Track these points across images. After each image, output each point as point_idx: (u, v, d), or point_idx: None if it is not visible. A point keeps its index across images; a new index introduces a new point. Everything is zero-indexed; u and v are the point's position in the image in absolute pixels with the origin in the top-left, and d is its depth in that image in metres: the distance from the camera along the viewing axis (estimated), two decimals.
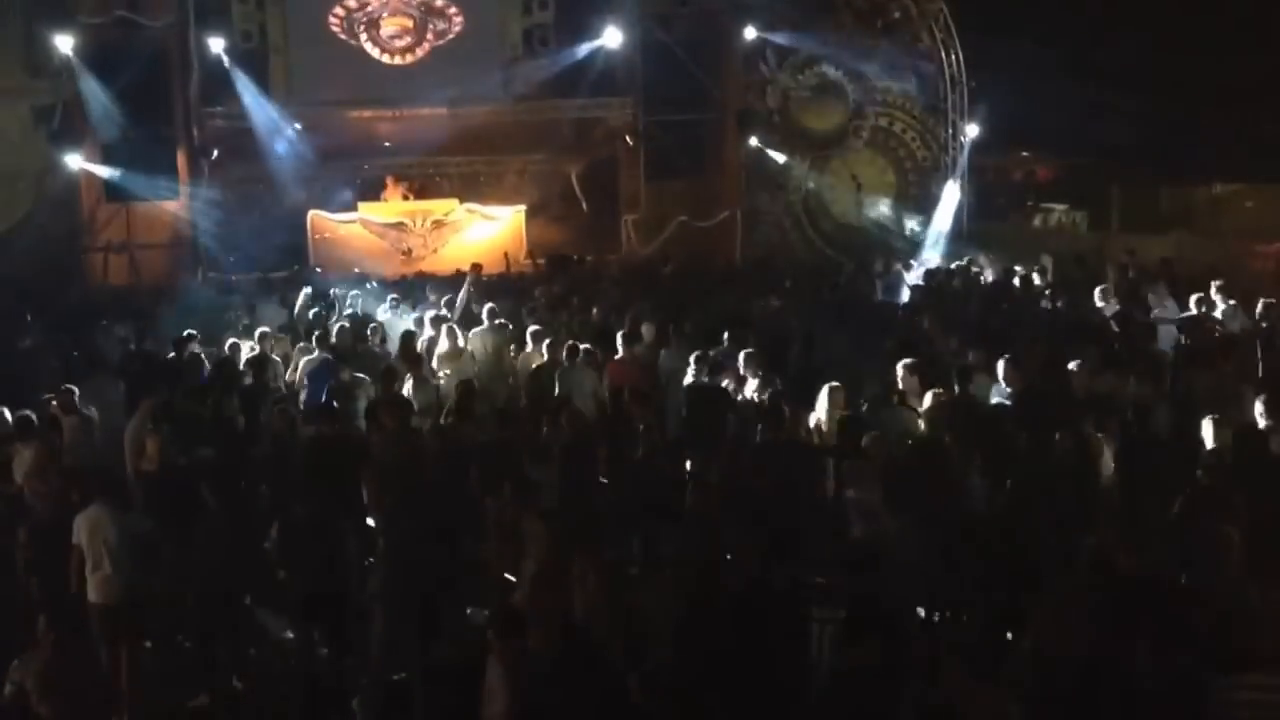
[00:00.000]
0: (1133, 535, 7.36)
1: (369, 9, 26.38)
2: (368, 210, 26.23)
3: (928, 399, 10.97)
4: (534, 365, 14.12)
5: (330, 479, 10.10)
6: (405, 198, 26.92)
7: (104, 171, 24.55)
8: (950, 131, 27.27)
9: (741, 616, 7.01)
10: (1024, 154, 30.51)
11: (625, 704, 6.37)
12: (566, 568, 7.78)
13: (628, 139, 27.14)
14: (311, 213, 25.84)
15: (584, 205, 27.62)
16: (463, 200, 26.46)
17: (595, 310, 17.40)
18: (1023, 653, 6.72)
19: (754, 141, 26.50)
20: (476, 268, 19.19)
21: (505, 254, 23.79)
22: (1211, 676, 5.92)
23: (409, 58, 26.69)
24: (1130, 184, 28.65)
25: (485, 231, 25.96)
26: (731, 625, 6.96)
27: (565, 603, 7.53)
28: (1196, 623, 6.48)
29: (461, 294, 17.80)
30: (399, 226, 25.87)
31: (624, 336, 14.17)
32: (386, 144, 26.91)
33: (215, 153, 25.66)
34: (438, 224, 25.92)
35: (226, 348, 15.39)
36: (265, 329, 15.51)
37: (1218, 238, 23.22)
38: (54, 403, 12.71)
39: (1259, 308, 14.95)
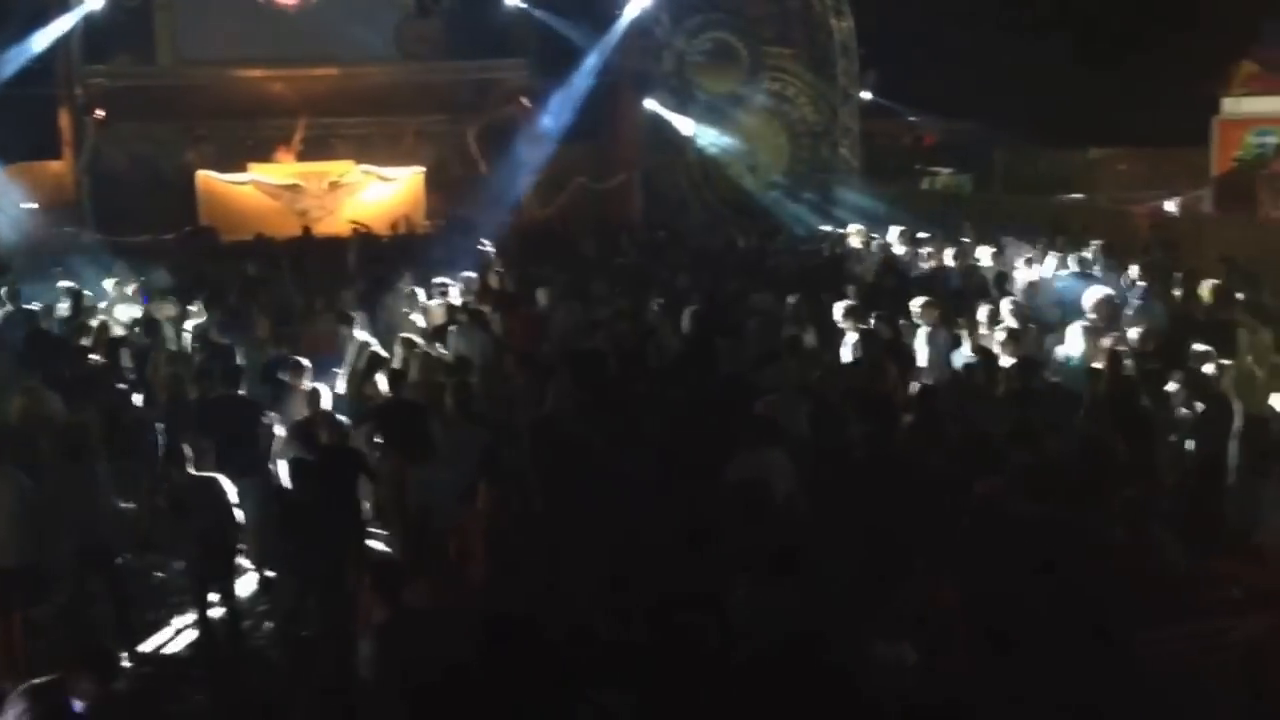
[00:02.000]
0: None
1: None
2: (260, 171, 25.92)
3: None
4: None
5: (227, 438, 10.18)
6: (298, 160, 26.64)
7: None
8: (841, 96, 27.72)
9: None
10: (911, 119, 31.18)
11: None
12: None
13: (524, 100, 27.14)
14: (200, 173, 25.50)
15: (481, 166, 27.58)
16: (358, 162, 26.27)
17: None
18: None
19: (650, 104, 26.66)
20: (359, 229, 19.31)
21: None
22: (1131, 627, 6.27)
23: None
24: (1012, 148, 29.48)
25: (382, 193, 25.80)
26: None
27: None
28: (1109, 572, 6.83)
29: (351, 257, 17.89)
30: (293, 188, 25.59)
31: (516, 298, 14.38)
32: (276, 104, 26.60)
33: (100, 112, 25.19)
34: (334, 185, 25.69)
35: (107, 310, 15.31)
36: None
37: (1094, 199, 24.00)
38: None
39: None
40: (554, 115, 25.89)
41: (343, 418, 10.79)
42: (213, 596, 9.55)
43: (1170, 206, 24.68)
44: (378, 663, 6.73)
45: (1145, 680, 6.00)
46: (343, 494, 9.36)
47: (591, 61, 26.22)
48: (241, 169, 25.83)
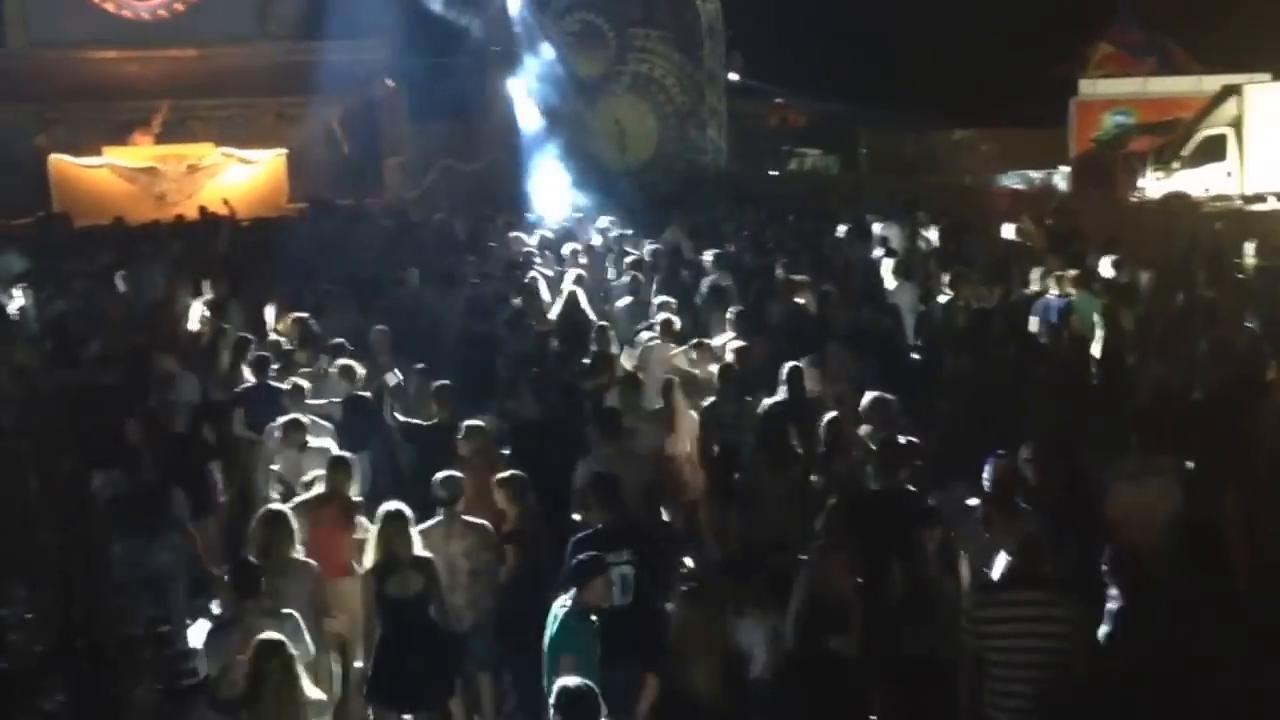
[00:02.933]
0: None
1: None
2: (115, 154, 25.16)
3: None
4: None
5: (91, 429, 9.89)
6: (156, 143, 25.93)
7: None
8: (708, 77, 27.87)
9: None
10: (778, 101, 31.54)
11: None
12: None
13: (388, 81, 26.78)
14: (52, 157, 24.68)
15: (345, 148, 27.14)
16: (218, 144, 25.65)
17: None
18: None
19: (518, 85, 26.50)
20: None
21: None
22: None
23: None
24: (878, 130, 30.00)
25: (243, 175, 25.23)
26: None
27: None
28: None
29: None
30: (150, 171, 24.89)
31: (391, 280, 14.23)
32: (133, 85, 25.85)
33: None
34: (192, 168, 25.02)
35: None
36: None
37: (958, 179, 24.52)
38: None
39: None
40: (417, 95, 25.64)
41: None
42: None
43: (1059, 180, 25.36)
44: (209, 660, 6.57)
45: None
46: (192, 483, 9.08)
47: (458, 42, 25.97)
48: (96, 153, 25.06)
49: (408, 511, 7.36)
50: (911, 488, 7.54)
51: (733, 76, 28.21)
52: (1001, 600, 6.09)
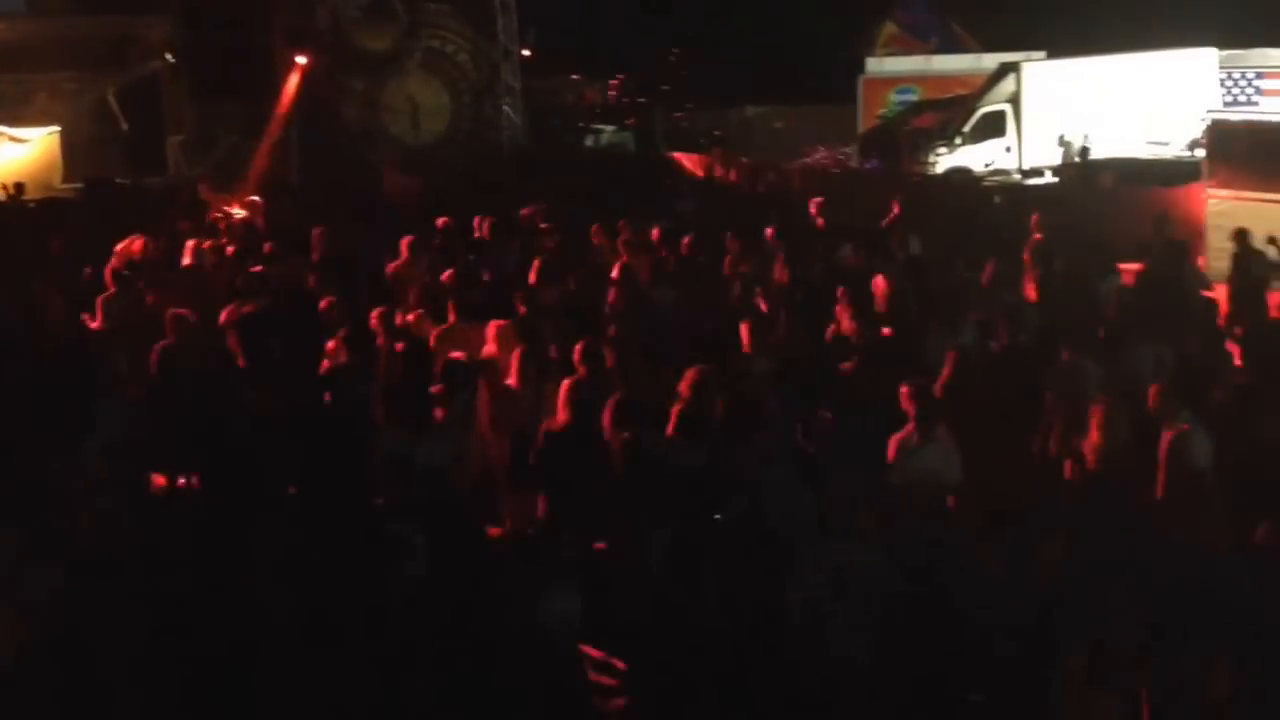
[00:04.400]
0: None
1: None
2: None
3: None
4: None
5: None
6: None
7: None
8: (502, 53, 27.66)
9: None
10: (574, 77, 31.53)
11: None
12: None
13: (169, 56, 25.82)
14: None
15: (124, 126, 26.06)
16: None
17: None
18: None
19: (305, 62, 25.84)
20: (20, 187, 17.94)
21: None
22: None
23: None
24: (673, 106, 30.30)
25: (14, 154, 24.13)
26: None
27: None
28: None
29: None
30: None
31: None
32: None
33: None
34: None
35: None
36: None
37: (750, 155, 24.88)
38: None
39: None
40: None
41: None
42: None
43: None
44: None
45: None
46: None
47: (243, 17, 25.21)
48: None
49: None
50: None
51: (526, 53, 28.04)
52: (826, 550, 6.40)
